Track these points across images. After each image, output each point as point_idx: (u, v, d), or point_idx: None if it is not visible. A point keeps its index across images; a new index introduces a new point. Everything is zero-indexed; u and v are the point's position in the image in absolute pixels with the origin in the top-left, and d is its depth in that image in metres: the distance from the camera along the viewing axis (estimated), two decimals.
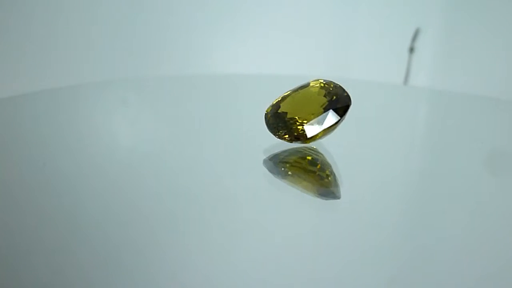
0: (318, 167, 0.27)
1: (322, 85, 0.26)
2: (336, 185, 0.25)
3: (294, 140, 0.26)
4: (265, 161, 0.27)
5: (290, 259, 0.18)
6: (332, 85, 0.26)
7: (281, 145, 0.27)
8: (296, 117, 0.25)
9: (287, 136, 0.26)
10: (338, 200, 0.23)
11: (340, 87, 0.26)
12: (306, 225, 0.21)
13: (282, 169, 0.26)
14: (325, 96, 0.25)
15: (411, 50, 0.90)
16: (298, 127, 0.25)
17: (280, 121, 0.26)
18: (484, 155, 0.31)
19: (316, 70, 0.89)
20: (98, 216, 0.21)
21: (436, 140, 0.35)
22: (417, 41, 0.89)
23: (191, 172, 0.26)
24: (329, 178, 0.25)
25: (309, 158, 0.27)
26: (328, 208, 0.23)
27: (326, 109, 0.25)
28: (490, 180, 0.27)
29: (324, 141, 0.27)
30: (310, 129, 0.25)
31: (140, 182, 0.25)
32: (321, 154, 0.28)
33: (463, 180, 0.26)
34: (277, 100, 0.26)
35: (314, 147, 0.28)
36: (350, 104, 0.26)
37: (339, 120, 0.25)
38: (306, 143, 0.26)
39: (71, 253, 0.18)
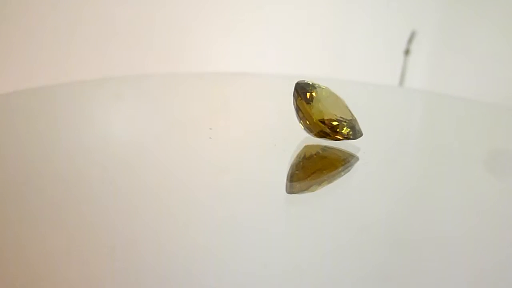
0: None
1: None
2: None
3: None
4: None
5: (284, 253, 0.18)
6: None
7: (278, 146, 0.27)
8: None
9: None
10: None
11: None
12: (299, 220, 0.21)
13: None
14: None
15: (407, 52, 0.91)
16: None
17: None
18: (479, 156, 0.31)
19: (312, 71, 0.89)
20: (92, 211, 0.21)
21: (430, 141, 0.35)
22: (412, 43, 0.90)
23: (185, 168, 0.26)
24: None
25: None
26: (326, 207, 0.23)
27: None
28: (485, 181, 0.27)
29: (317, 142, 0.28)
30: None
31: (136, 178, 0.25)
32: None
33: (456, 180, 0.26)
34: None
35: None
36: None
37: None
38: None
39: (66, 247, 0.18)
